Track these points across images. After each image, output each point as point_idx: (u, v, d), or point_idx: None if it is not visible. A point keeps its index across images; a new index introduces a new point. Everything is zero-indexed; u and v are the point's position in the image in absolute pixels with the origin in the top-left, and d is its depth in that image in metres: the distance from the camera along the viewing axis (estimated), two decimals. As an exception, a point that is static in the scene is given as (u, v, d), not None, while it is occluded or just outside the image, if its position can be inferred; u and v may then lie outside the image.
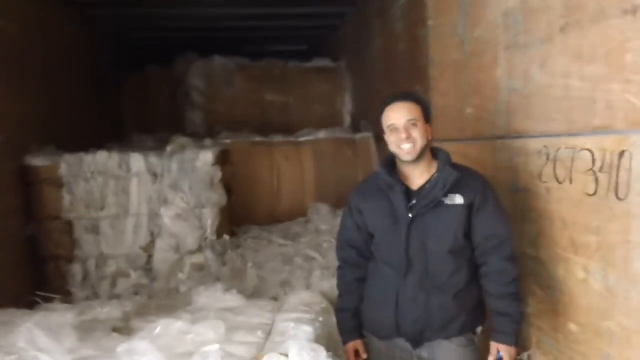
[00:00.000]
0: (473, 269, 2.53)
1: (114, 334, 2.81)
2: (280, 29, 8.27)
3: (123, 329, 2.98)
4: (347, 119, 7.77)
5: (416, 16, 4.55)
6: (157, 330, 2.61)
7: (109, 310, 3.16)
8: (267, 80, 7.73)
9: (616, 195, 2.17)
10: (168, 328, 2.61)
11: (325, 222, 5.44)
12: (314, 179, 6.16)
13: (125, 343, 2.43)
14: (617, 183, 2.16)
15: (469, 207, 2.45)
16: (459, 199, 2.44)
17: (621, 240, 2.15)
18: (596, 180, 2.28)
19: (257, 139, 6.23)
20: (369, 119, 6.68)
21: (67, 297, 4.49)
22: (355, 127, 7.20)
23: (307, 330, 2.59)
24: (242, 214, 5.68)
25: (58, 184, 4.68)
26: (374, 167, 6.26)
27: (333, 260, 4.37)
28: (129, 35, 8.23)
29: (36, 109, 4.97)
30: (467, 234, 2.48)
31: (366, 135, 6.42)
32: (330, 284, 3.80)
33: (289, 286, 4.07)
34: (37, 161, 4.64)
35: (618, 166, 2.15)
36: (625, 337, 2.17)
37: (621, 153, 2.12)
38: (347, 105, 7.79)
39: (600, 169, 2.25)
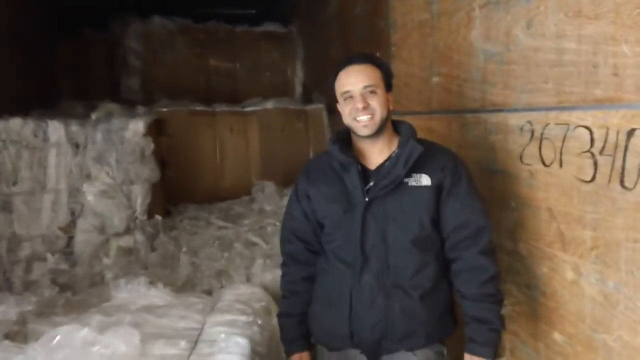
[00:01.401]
0: (442, 265, 2.11)
1: (6, 343, 2.29)
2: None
3: (18, 334, 2.46)
4: (299, 89, 7.31)
5: (376, -26, 4.09)
6: (57, 340, 2.11)
7: (4, 310, 2.62)
8: (212, 45, 7.19)
9: (621, 183, 1.77)
10: (70, 337, 2.11)
11: (271, 202, 4.97)
12: (260, 154, 5.68)
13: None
14: (623, 169, 1.76)
15: (437, 189, 2.03)
16: (425, 180, 2.02)
17: (626, 238, 1.77)
18: (595, 164, 1.88)
19: (199, 107, 5.68)
20: (321, 89, 6.22)
21: (-28, 285, 3.94)
22: (307, 98, 6.75)
23: (242, 343, 2.12)
24: (179, 191, 5.17)
25: (-37, 153, 4.08)
26: (326, 142, 5.83)
27: (277, 247, 3.92)
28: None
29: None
30: (436, 222, 2.07)
31: (318, 107, 5.97)
32: (273, 276, 3.36)
33: (226, 277, 3.60)
34: (-61, 126, 4.02)
35: (626, 148, 1.75)
36: (628, 356, 1.79)
37: (631, 132, 1.72)
38: (298, 74, 7.32)
39: (601, 151, 1.85)
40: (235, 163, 5.62)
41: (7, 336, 2.42)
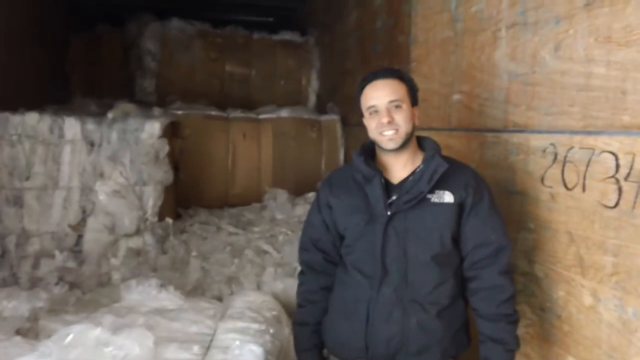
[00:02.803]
0: (460, 282, 2.11)
1: (17, 338, 2.28)
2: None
3: (29, 331, 2.45)
4: (313, 99, 7.28)
5: (399, -11, 4.10)
6: (69, 338, 2.10)
7: (15, 306, 2.61)
8: (228, 50, 7.15)
9: (647, 211, 1.76)
10: (83, 336, 2.11)
11: (283, 211, 4.94)
12: (273, 161, 5.66)
13: (24, 357, 1.92)
14: (649, 196, 1.75)
15: (459, 206, 2.03)
16: (448, 197, 2.02)
17: (648, 267, 1.75)
18: (619, 190, 1.88)
19: (214, 112, 5.67)
20: (336, 100, 6.21)
21: (-20, 278, 3.93)
22: (321, 108, 6.73)
23: (256, 352, 2.10)
24: (190, 195, 5.16)
25: (-22, 146, 4.08)
26: (340, 153, 5.83)
27: (289, 256, 3.93)
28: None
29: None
30: (456, 240, 2.07)
31: (333, 118, 5.95)
32: (284, 285, 3.34)
33: (236, 284, 3.57)
34: (-46, 119, 4.02)
35: (653, 176, 1.74)
36: (645, 385, 1.77)
37: (658, 160, 1.71)
38: (313, 84, 7.29)
39: (627, 177, 1.85)
40: (246, 169, 5.60)
41: (19, 332, 2.41)
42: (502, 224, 2.09)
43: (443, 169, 1.99)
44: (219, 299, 3.23)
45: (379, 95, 2.03)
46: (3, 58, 5.33)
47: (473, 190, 2.05)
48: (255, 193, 5.60)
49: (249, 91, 7.25)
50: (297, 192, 5.41)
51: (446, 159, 2.06)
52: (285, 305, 3.10)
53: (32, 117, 4.11)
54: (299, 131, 5.82)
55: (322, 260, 2.20)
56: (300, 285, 2.28)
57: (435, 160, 2.01)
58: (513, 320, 2.04)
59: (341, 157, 5.89)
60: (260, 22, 9.00)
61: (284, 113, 5.88)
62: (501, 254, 2.04)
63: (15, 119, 4.07)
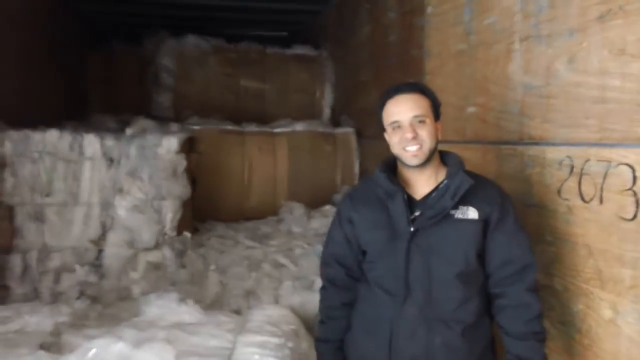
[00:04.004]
0: (485, 299, 2.07)
1: (41, 353, 2.32)
2: (260, 11, 7.81)
3: (53, 346, 2.48)
4: (327, 112, 7.31)
5: (412, 3, 4.13)
6: (92, 352, 2.13)
7: (38, 321, 2.64)
8: (243, 65, 7.22)
9: (664, 223, 1.77)
10: (106, 350, 2.14)
11: (299, 224, 4.96)
12: (288, 175, 5.69)
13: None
14: (667, 208, 1.76)
15: (484, 223, 2.00)
16: (472, 213, 1.99)
17: (667, 279, 1.75)
18: (637, 202, 1.89)
19: (229, 127, 5.73)
20: (350, 113, 6.25)
21: (2, 293, 3.98)
22: (335, 121, 6.76)
23: (275, 365, 2.12)
24: (206, 208, 5.20)
25: (0, 163, 4.14)
26: (355, 166, 5.85)
27: (306, 269, 3.95)
28: (96, 8, 7.64)
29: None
30: (481, 257, 2.04)
31: (347, 130, 5.98)
32: (302, 299, 3.35)
33: (254, 297, 3.59)
34: (-23, 137, 4.10)
35: (671, 188, 1.75)
36: (666, 398, 1.77)
37: (677, 172, 1.72)
38: (327, 97, 7.33)
39: (644, 190, 1.85)
40: (262, 183, 5.64)
41: (42, 347, 2.44)
42: (527, 241, 2.06)
43: (467, 185, 1.97)
44: (238, 312, 3.25)
45: (403, 110, 2.02)
46: (23, 77, 5.43)
47: (498, 207, 2.02)
48: (271, 206, 5.63)
49: (263, 105, 7.30)
50: (312, 205, 5.43)
51: (470, 174, 2.04)
52: (303, 319, 3.12)
53: (52, 135, 4.17)
54: (313, 144, 5.86)
55: (344, 276, 2.19)
56: (322, 300, 2.27)
57: (460, 176, 1.99)
58: (541, 338, 1.99)
59: (356, 169, 5.91)
60: (274, 37, 9.08)
61: (299, 127, 5.92)
62: (527, 270, 2.01)
63: (36, 136, 4.14)
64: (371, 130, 5.39)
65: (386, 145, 2.14)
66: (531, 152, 2.51)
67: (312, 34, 8.27)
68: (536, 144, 2.48)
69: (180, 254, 4.23)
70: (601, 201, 2.05)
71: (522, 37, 2.60)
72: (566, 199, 2.25)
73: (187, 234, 4.43)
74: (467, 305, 2.00)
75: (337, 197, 5.58)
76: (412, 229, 1.98)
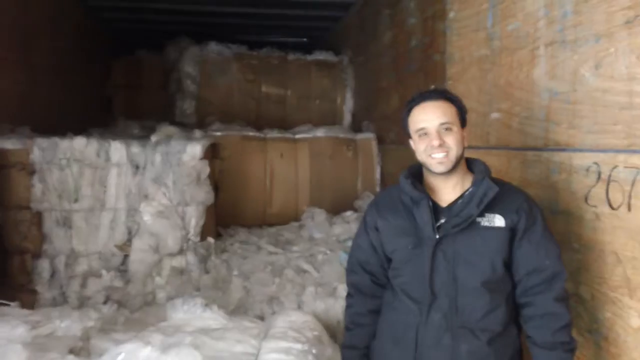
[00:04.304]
0: (513, 308, 2.05)
1: (70, 357, 2.36)
2: (280, 18, 7.85)
3: (82, 350, 2.52)
4: (347, 118, 7.34)
5: (434, 8, 4.13)
6: (121, 357, 2.16)
7: (68, 325, 2.69)
8: (264, 71, 7.29)
9: (695, 230, 1.75)
10: (134, 355, 2.17)
11: (321, 230, 4.97)
12: (310, 180, 5.71)
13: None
14: (698, 216, 1.74)
15: (511, 231, 1.99)
16: (499, 221, 1.98)
17: (698, 287, 1.74)
18: (666, 209, 1.86)
19: (251, 133, 5.77)
20: (371, 119, 6.25)
21: (31, 297, 4.05)
22: (356, 127, 6.77)
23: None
24: (229, 214, 5.23)
25: (29, 170, 4.23)
26: (375, 172, 5.85)
27: (329, 275, 3.95)
28: (120, 16, 7.75)
29: (11, 84, 4.51)
30: (508, 265, 2.02)
31: (368, 136, 5.98)
32: (325, 305, 3.37)
33: (277, 303, 3.61)
34: (7, 144, 4.19)
35: (702, 195, 1.73)
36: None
37: None
38: (347, 103, 7.36)
39: (674, 197, 1.83)
40: (284, 189, 5.67)
41: (72, 351, 2.49)
42: (556, 249, 2.03)
43: (493, 193, 1.96)
44: (261, 318, 3.27)
45: (429, 118, 2.01)
46: (51, 85, 5.53)
47: (525, 214, 2.00)
48: (293, 212, 5.66)
49: (284, 111, 7.35)
50: (333, 210, 5.44)
51: (496, 181, 2.03)
52: (326, 325, 3.12)
53: (80, 142, 4.24)
54: (335, 150, 5.87)
55: (370, 283, 2.19)
56: (347, 307, 2.27)
57: (485, 184, 1.98)
58: (570, 348, 1.96)
59: (377, 175, 5.91)
60: (295, 43, 9.12)
61: (320, 132, 5.94)
62: (556, 279, 1.99)
63: (64, 143, 4.21)
64: (392, 136, 5.40)
65: (407, 151, 2.14)
66: (557, 159, 2.50)
67: (333, 40, 8.30)
68: (562, 150, 2.46)
69: (204, 260, 4.27)
70: (629, 208, 2.03)
71: (547, 43, 2.59)
72: (593, 206, 2.23)
73: (211, 240, 4.47)
74: (493, 313, 1.98)
75: (358, 203, 5.59)
76: (437, 236, 1.98)
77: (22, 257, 4.23)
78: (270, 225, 5.51)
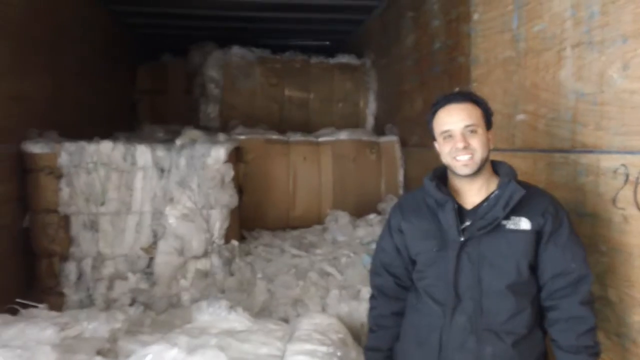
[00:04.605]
0: (538, 311, 2.04)
1: (98, 359, 2.39)
2: (303, 22, 7.88)
3: (109, 352, 2.56)
4: (370, 121, 7.33)
5: (458, 10, 4.11)
6: (148, 358, 2.19)
7: (95, 327, 2.73)
8: (287, 75, 7.31)
9: None
10: (160, 357, 2.19)
11: (344, 233, 4.97)
12: (333, 183, 5.71)
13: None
14: None
15: (537, 234, 1.98)
16: (524, 224, 1.97)
17: None
18: (696, 211, 1.83)
19: (275, 136, 5.79)
20: (394, 121, 6.24)
21: (59, 300, 4.12)
22: (379, 130, 6.76)
23: (327, 374, 2.14)
24: (252, 217, 5.26)
25: (57, 174, 4.29)
26: (399, 174, 5.83)
27: (352, 278, 3.95)
28: (144, 22, 7.85)
29: (39, 89, 4.59)
30: (533, 268, 2.01)
31: (391, 139, 5.96)
32: (349, 308, 3.36)
33: (301, 305, 3.62)
34: (35, 148, 4.25)
35: None
36: None
37: None
38: (370, 106, 7.34)
39: None
40: (307, 192, 5.67)
41: (99, 352, 2.52)
42: (582, 252, 2.02)
43: (519, 196, 1.95)
44: (285, 320, 3.28)
45: (454, 120, 2.02)
46: (78, 89, 5.62)
47: (551, 217, 1.99)
48: (316, 215, 5.66)
49: (307, 114, 7.37)
50: (356, 213, 5.43)
51: (522, 184, 2.02)
52: (350, 328, 3.12)
53: (106, 146, 4.29)
54: (358, 153, 5.86)
55: (394, 285, 2.20)
56: (371, 309, 2.28)
57: (511, 186, 1.97)
58: (594, 352, 1.96)
59: (400, 178, 5.89)
60: (318, 47, 9.15)
61: (343, 135, 5.93)
62: (581, 283, 1.98)
63: (91, 147, 4.27)
64: (415, 138, 5.38)
65: (430, 154, 2.14)
66: (584, 161, 2.47)
67: (356, 43, 8.30)
68: (590, 152, 2.43)
69: (228, 262, 4.29)
70: (658, 210, 2.00)
71: (574, 44, 2.56)
72: (621, 208, 2.20)
73: (235, 242, 4.49)
74: (519, 316, 1.98)
75: (382, 206, 5.57)
76: (462, 239, 1.98)
77: (50, 260, 4.30)
78: (294, 228, 5.52)
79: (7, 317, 2.97)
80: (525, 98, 3.03)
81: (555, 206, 2.04)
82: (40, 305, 3.24)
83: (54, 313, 3.16)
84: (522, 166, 3.01)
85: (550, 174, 2.75)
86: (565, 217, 2.04)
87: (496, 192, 2.01)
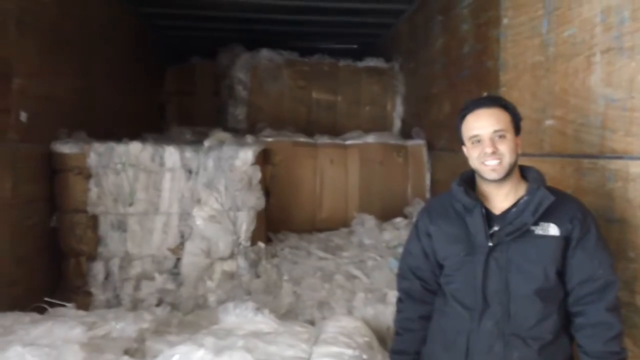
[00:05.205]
0: (564, 317, 2.04)
1: (125, 358, 2.43)
2: (331, 25, 7.89)
3: (137, 352, 2.59)
4: (397, 124, 7.30)
5: (488, 15, 4.09)
6: (175, 359, 2.22)
7: (123, 327, 2.77)
8: (315, 78, 7.32)
9: None
10: (188, 357, 2.22)
11: (371, 236, 4.96)
12: (359, 186, 5.71)
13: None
14: None
15: (565, 240, 1.98)
16: (553, 230, 1.97)
17: None
18: None
19: (302, 139, 5.81)
20: (422, 125, 6.21)
21: (86, 299, 4.18)
22: (406, 134, 6.74)
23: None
24: (279, 219, 5.28)
25: (86, 174, 4.35)
26: (426, 178, 5.81)
27: (379, 282, 3.95)
28: (173, 24, 7.94)
29: (69, 89, 4.68)
30: (561, 274, 2.01)
31: (419, 142, 5.94)
32: (375, 311, 3.36)
33: (327, 308, 3.63)
34: (65, 148, 4.32)
35: None
36: None
37: None
38: (398, 109, 7.32)
39: None
40: (333, 195, 5.68)
41: (127, 352, 2.56)
42: (610, 259, 2.02)
43: (549, 202, 1.95)
44: (311, 323, 3.30)
45: (483, 125, 2.02)
46: (107, 91, 5.71)
47: (580, 223, 1.99)
48: (342, 218, 5.66)
49: (334, 117, 7.37)
50: (383, 217, 5.42)
51: (551, 190, 2.02)
52: (375, 332, 3.12)
53: (135, 147, 4.35)
54: (385, 156, 5.85)
55: (421, 289, 2.21)
56: (398, 312, 2.29)
57: (541, 192, 1.97)
58: (621, 358, 1.95)
59: (427, 182, 5.87)
60: (346, 50, 9.15)
61: (370, 139, 5.93)
62: (608, 289, 1.97)
63: (120, 148, 4.33)
64: (443, 142, 5.35)
65: (458, 158, 2.14)
66: (613, 166, 2.45)
67: (384, 46, 8.29)
68: (619, 157, 2.41)
69: (255, 264, 4.32)
70: (689, 218, 1.98)
71: (603, 50, 2.54)
72: (651, 215, 2.18)
73: (261, 245, 4.51)
74: (545, 322, 1.98)
75: (408, 210, 5.56)
76: (490, 244, 1.98)
77: (78, 260, 4.36)
78: (320, 230, 5.52)
79: (35, 315, 3.02)
80: (554, 103, 3.00)
81: (583, 212, 2.03)
82: (68, 305, 3.30)
83: (81, 312, 3.22)
84: (550, 171, 2.99)
85: (579, 180, 2.73)
86: (593, 223, 2.03)
87: (525, 197, 2.01)
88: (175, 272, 4.34)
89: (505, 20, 3.70)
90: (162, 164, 4.37)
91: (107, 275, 4.32)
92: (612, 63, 2.48)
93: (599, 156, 2.56)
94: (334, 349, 2.52)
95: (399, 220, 5.34)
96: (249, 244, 4.41)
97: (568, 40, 2.85)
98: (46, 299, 3.32)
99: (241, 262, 4.29)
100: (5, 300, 3.43)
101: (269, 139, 5.51)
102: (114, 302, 4.21)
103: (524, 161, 2.28)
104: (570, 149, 2.84)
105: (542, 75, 3.15)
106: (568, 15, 2.84)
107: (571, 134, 2.82)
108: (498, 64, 3.81)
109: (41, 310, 3.22)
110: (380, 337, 3.16)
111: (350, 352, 2.51)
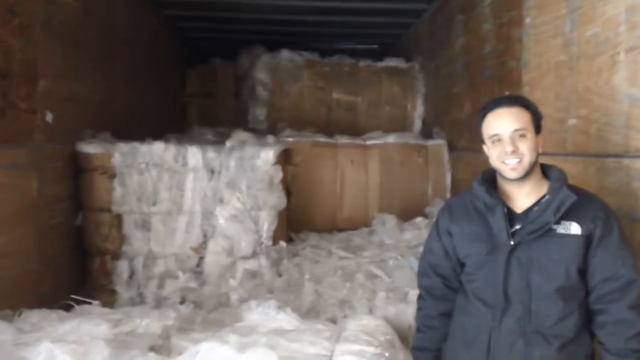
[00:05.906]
0: (585, 315, 2.04)
1: (151, 355, 2.47)
2: (352, 25, 7.91)
3: (162, 348, 2.63)
4: (418, 124, 7.30)
5: (510, 14, 4.08)
6: (199, 356, 2.25)
7: (148, 324, 2.81)
8: (335, 78, 7.36)
9: None
10: (212, 354, 2.26)
11: (391, 236, 4.97)
12: (380, 186, 5.72)
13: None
14: None
15: (587, 239, 1.98)
16: (575, 229, 1.98)
17: None
18: None
19: (322, 139, 5.84)
20: (442, 125, 6.20)
21: (111, 297, 4.24)
22: (427, 134, 6.73)
23: (375, 374, 2.16)
24: (300, 219, 5.31)
25: (110, 174, 4.41)
26: (446, 178, 5.80)
27: (400, 281, 3.96)
28: (194, 26, 8.02)
29: (93, 91, 4.75)
30: (582, 273, 2.01)
31: (439, 143, 5.94)
32: (396, 310, 3.37)
33: (349, 307, 3.65)
34: (90, 148, 4.38)
35: None
36: None
37: None
38: (418, 110, 7.31)
39: None
40: (354, 194, 5.70)
41: (152, 349, 2.60)
42: (632, 258, 2.01)
43: (571, 202, 1.95)
44: (333, 321, 3.31)
45: (503, 124, 2.03)
46: (130, 92, 5.79)
47: (602, 222, 1.98)
48: (363, 217, 5.68)
49: (355, 117, 7.40)
50: (403, 217, 5.43)
51: (573, 189, 2.02)
52: (397, 330, 3.13)
53: (158, 147, 4.40)
54: (405, 156, 5.85)
55: (442, 286, 2.23)
56: (419, 310, 2.32)
57: (563, 192, 1.97)
58: None
59: (448, 182, 5.86)
60: (366, 50, 9.16)
61: (391, 139, 5.93)
62: (630, 288, 1.96)
63: (143, 148, 4.38)
64: (463, 142, 5.34)
65: (478, 157, 2.14)
66: (638, 166, 2.44)
67: (404, 46, 8.29)
68: (644, 157, 2.40)
69: (276, 263, 4.35)
70: None
71: (628, 48, 2.53)
72: (676, 215, 2.16)
73: (283, 244, 4.55)
74: (566, 320, 1.99)
75: (429, 210, 5.56)
76: (512, 243, 1.99)
77: (103, 258, 4.42)
78: (341, 230, 5.55)
79: (62, 313, 3.07)
80: (578, 103, 2.99)
81: (605, 211, 2.03)
82: (94, 302, 3.35)
83: (107, 310, 3.27)
84: (573, 171, 2.98)
85: (602, 179, 2.72)
86: (616, 222, 2.03)
87: (547, 196, 2.01)
88: (198, 271, 4.38)
89: (527, 20, 3.69)
90: (185, 164, 4.42)
91: (132, 274, 4.37)
92: (636, 62, 2.47)
93: (624, 155, 2.55)
94: (356, 347, 2.53)
95: (419, 219, 5.35)
96: (270, 243, 4.45)
97: (591, 39, 2.84)
98: (72, 296, 3.37)
99: (263, 261, 4.32)
100: (33, 298, 3.50)
101: (290, 139, 5.55)
102: (138, 300, 4.27)
103: (546, 160, 2.28)
104: (593, 149, 2.83)
105: (565, 75, 3.14)
106: (591, 14, 2.83)
107: (594, 133, 2.81)
108: (520, 64, 3.81)
109: (68, 308, 3.28)
110: (402, 335, 3.17)
111: (372, 349, 2.52)
